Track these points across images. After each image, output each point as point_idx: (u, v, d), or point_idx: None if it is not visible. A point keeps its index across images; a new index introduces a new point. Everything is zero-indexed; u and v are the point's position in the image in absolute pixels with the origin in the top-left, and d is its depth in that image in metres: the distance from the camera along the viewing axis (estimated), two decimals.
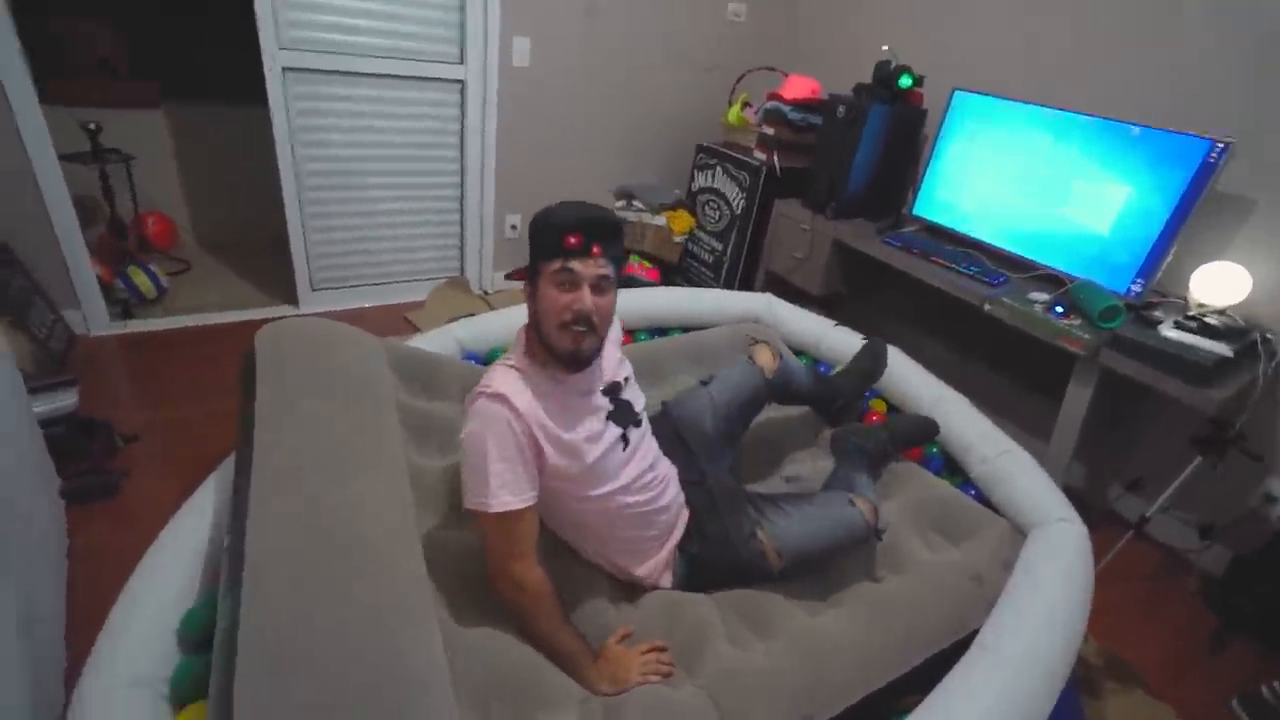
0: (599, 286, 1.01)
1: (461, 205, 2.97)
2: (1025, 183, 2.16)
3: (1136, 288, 1.91)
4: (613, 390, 1.15)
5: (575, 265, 0.99)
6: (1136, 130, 1.87)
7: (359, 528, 0.94)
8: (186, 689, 0.97)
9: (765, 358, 1.47)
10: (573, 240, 0.97)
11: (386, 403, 1.25)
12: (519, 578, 0.99)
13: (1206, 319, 1.75)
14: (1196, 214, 1.78)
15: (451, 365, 1.63)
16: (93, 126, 2.56)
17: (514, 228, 3.08)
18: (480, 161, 2.88)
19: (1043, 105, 2.08)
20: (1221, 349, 1.64)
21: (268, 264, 2.94)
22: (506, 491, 0.97)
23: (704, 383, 1.45)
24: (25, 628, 1.06)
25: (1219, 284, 1.79)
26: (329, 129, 2.56)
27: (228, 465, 1.28)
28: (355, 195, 2.72)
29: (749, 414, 1.45)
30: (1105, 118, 1.94)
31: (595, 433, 1.08)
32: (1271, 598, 1.74)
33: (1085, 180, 2.01)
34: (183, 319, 2.56)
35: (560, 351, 1.02)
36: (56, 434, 1.64)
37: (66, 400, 1.74)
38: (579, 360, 1.04)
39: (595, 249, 0.99)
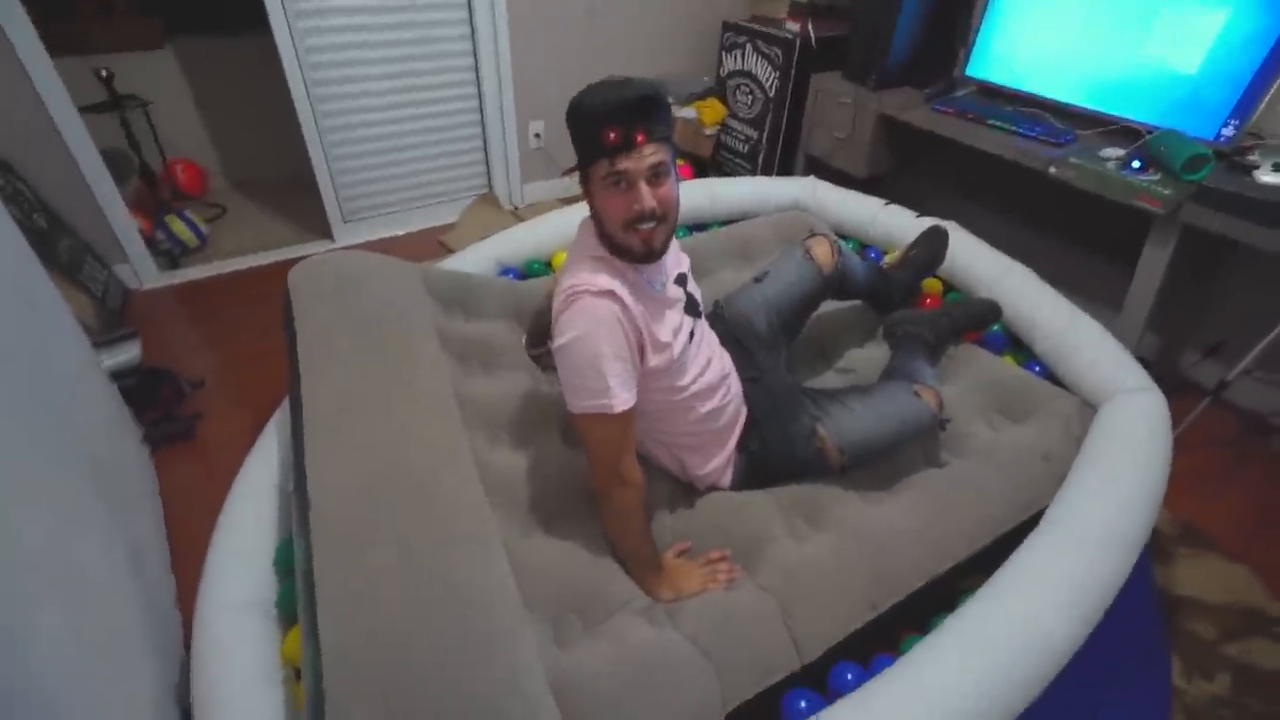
0: (656, 177, 0.92)
1: (482, 118, 2.85)
2: (1097, 23, 1.90)
3: (1229, 131, 1.70)
4: (681, 281, 1.11)
5: (623, 164, 0.90)
6: None
7: (408, 458, 0.96)
8: (291, 611, 1.04)
9: (822, 252, 1.36)
10: (613, 136, 0.88)
11: (425, 330, 1.25)
12: (629, 473, 0.98)
13: None
14: None
15: (488, 283, 1.61)
16: (105, 73, 2.51)
17: (538, 136, 2.95)
18: (496, 69, 2.73)
19: None
20: None
21: (301, 199, 2.92)
22: (625, 389, 0.93)
23: (757, 279, 1.38)
24: (136, 562, 1.16)
25: None
26: (337, 48, 2.44)
27: (285, 408, 1.32)
28: (374, 119, 2.63)
29: (804, 312, 1.38)
30: None
31: (676, 325, 1.05)
32: None
33: (1171, 8, 1.75)
34: (226, 264, 2.61)
35: (632, 250, 0.97)
36: (128, 385, 1.73)
37: (131, 352, 1.82)
38: (653, 254, 0.98)
39: (639, 137, 0.88)
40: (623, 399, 0.93)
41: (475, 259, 1.80)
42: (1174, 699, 1.25)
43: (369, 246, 2.76)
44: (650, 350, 1.00)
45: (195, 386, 1.93)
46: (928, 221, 1.82)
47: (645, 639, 0.94)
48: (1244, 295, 1.92)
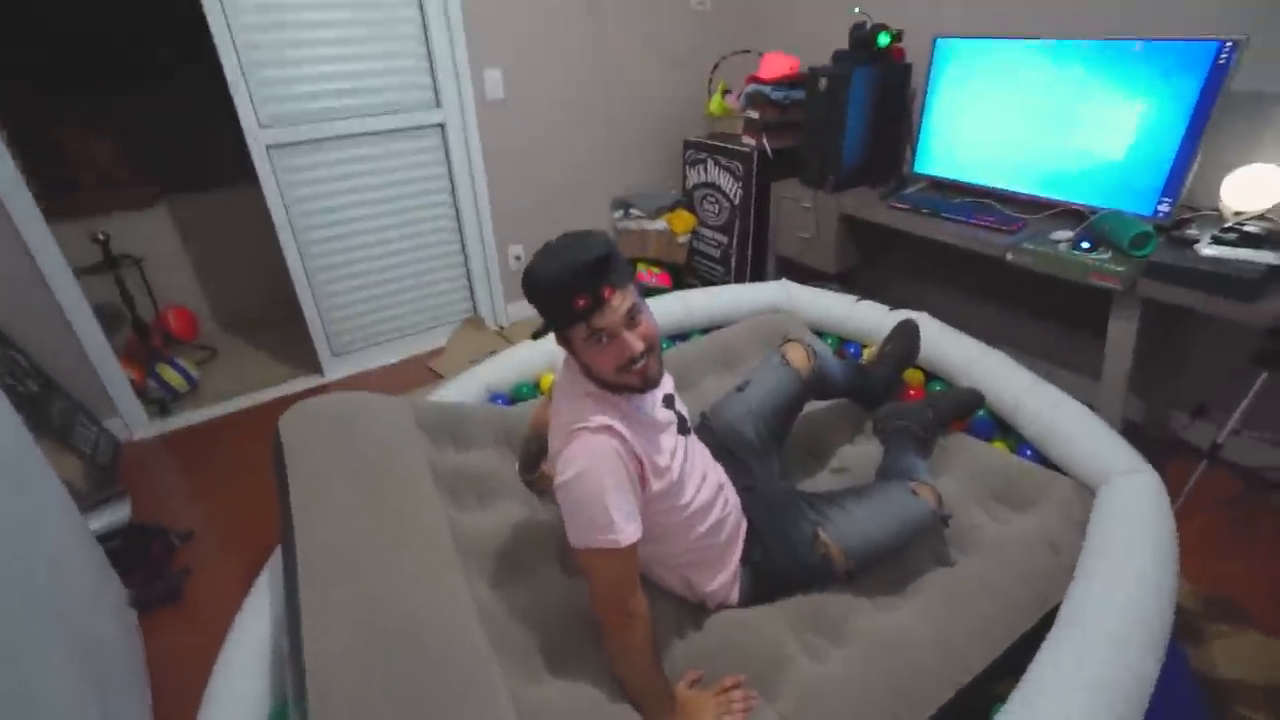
0: (632, 319, 0.95)
1: (463, 245, 2.98)
2: (1027, 120, 2.08)
3: (1164, 208, 1.82)
4: (669, 402, 1.13)
5: (600, 323, 0.92)
6: (1138, 45, 1.78)
7: (410, 614, 0.93)
8: None
9: (798, 356, 1.41)
10: (583, 303, 0.90)
11: (418, 467, 1.25)
12: (634, 607, 0.97)
13: (1246, 227, 1.66)
14: (1215, 120, 1.69)
15: (478, 411, 1.63)
16: (102, 237, 2.63)
17: (518, 258, 3.08)
18: (473, 199, 2.89)
19: (1031, 38, 2.00)
20: (1267, 257, 1.55)
21: (290, 335, 2.98)
22: (629, 522, 0.94)
23: (739, 388, 1.41)
24: None
25: (1252, 188, 1.70)
26: (322, 196, 2.58)
27: (277, 558, 1.29)
28: (359, 255, 2.75)
29: (789, 416, 1.41)
30: (1102, 39, 1.85)
31: (672, 447, 1.06)
32: None
33: (1091, 106, 1.92)
34: (217, 407, 2.62)
35: (632, 387, 0.99)
36: (115, 547, 1.69)
37: (120, 513, 1.79)
38: (650, 384, 1.00)
39: (606, 293, 0.91)
40: (628, 532, 0.93)
41: (463, 387, 1.83)
42: None
43: (359, 377, 2.81)
44: (652, 477, 1.01)
45: (184, 539, 1.88)
46: (901, 314, 1.89)
47: None
48: (1217, 357, 1.98)
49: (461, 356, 2.76)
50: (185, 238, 3.22)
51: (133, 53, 2.91)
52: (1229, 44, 1.62)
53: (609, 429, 0.96)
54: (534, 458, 1.42)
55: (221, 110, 2.31)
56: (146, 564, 1.76)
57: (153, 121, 3.02)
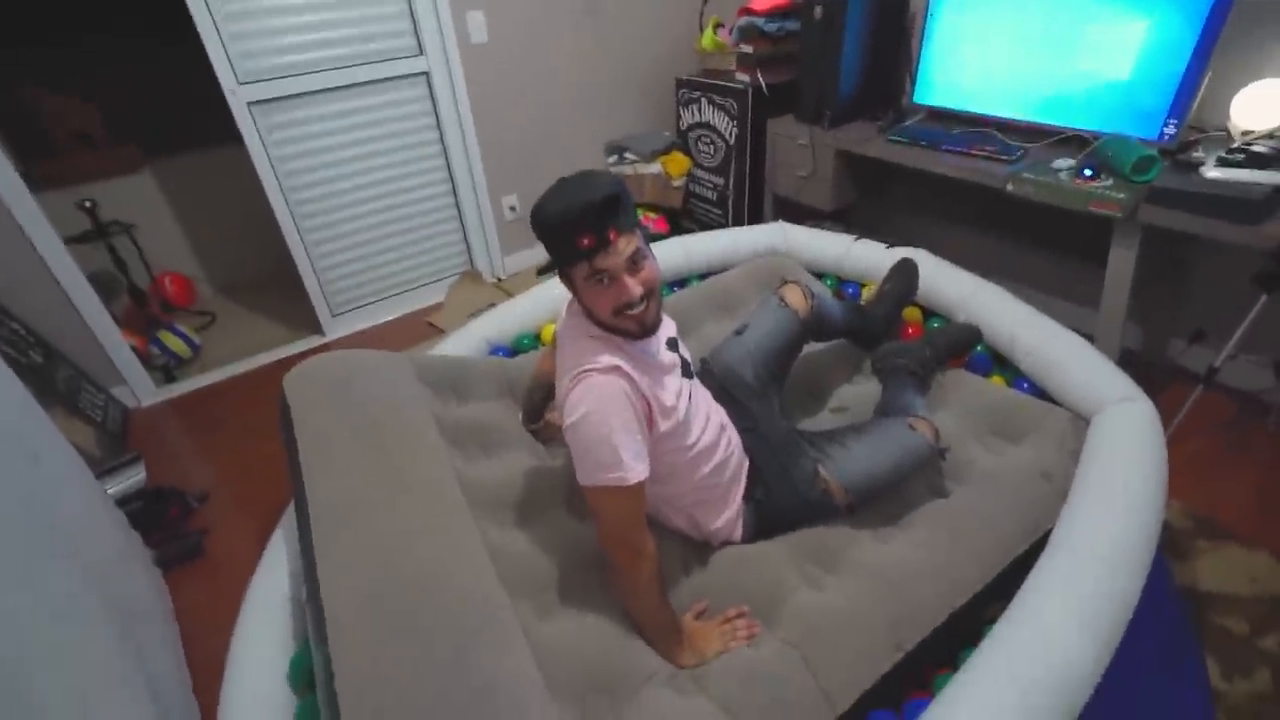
0: (634, 264, 0.96)
1: (456, 198, 2.94)
2: (1030, 43, 2.00)
3: (1170, 130, 1.78)
4: (673, 346, 1.14)
5: (603, 263, 0.93)
6: None
7: (419, 557, 0.96)
8: None
9: (796, 298, 1.42)
10: (587, 241, 0.91)
11: (422, 420, 1.27)
12: (641, 544, 0.99)
13: (1253, 147, 1.62)
14: (1227, 33, 1.62)
15: (478, 364, 1.64)
16: (89, 204, 2.60)
17: (513, 209, 3.03)
18: (464, 149, 2.83)
19: None
20: (1274, 177, 1.52)
21: (288, 296, 2.97)
22: (638, 461, 0.95)
23: (738, 332, 1.42)
24: (156, 697, 1.15)
25: (1263, 104, 1.65)
26: (308, 153, 2.53)
27: (290, 514, 1.33)
28: (352, 213, 2.71)
29: (788, 358, 1.42)
30: None
31: (677, 389, 1.08)
32: None
33: (1095, 23, 1.85)
34: (221, 371, 2.64)
35: (629, 332, 1.01)
36: (135, 509, 1.73)
37: (136, 476, 1.83)
38: (647, 330, 1.02)
39: (611, 235, 0.91)
40: (636, 470, 0.95)
41: (464, 341, 1.83)
42: (1216, 702, 1.23)
43: (359, 336, 2.81)
44: (659, 417, 1.03)
45: (201, 501, 1.93)
46: (899, 252, 1.88)
47: (675, 710, 0.93)
48: (1216, 280, 1.97)
49: (460, 310, 2.76)
50: (174, 202, 3.18)
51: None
52: None
53: (617, 369, 0.97)
54: (538, 407, 1.44)
55: (199, 66, 2.24)
56: (165, 525, 1.82)
57: (125, 79, 2.93)
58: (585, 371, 0.97)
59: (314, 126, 2.50)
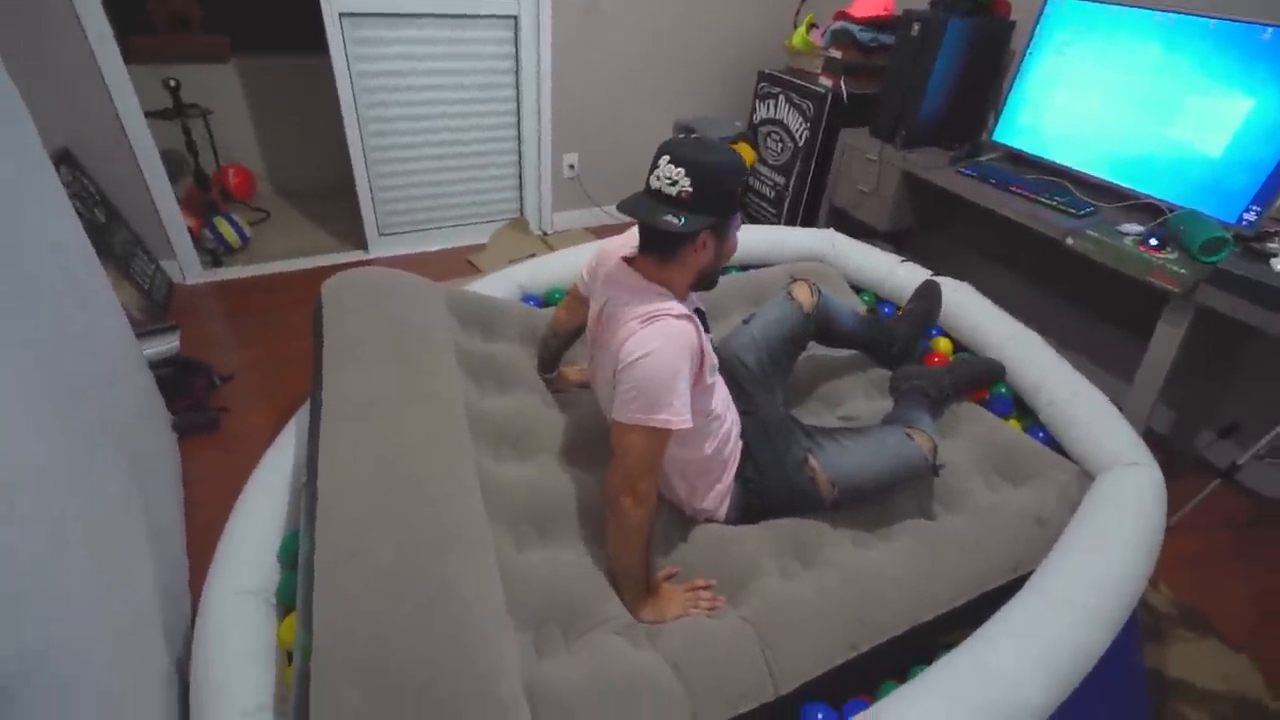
0: None
1: (519, 146, 2.97)
2: (1127, 101, 1.95)
3: (1250, 216, 1.73)
4: (702, 318, 1.18)
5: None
6: (1268, 33, 1.64)
7: (415, 463, 1.01)
8: (289, 600, 1.10)
9: (803, 293, 1.46)
10: (743, 191, 1.07)
11: (443, 345, 1.31)
12: (648, 492, 1.01)
13: None
14: None
15: (509, 308, 1.68)
16: (173, 84, 2.69)
17: (572, 167, 3.06)
18: (536, 100, 2.85)
19: (1154, 8, 1.85)
20: None
21: (340, 209, 3.06)
22: (687, 410, 0.99)
23: (745, 321, 1.47)
24: (156, 543, 1.22)
25: None
26: (387, 73, 2.58)
27: (307, 405, 1.38)
28: (416, 140, 2.76)
29: (791, 349, 1.45)
30: (1228, 18, 1.71)
31: (711, 355, 1.13)
32: None
33: (1199, 93, 1.79)
34: (266, 265, 2.73)
35: (712, 284, 1.13)
36: (164, 374, 1.82)
37: (170, 344, 1.91)
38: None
39: None
40: (684, 417, 0.99)
41: (499, 283, 1.87)
42: None
43: (401, 260, 2.88)
44: (706, 371, 1.08)
45: (225, 380, 2.02)
46: (944, 281, 1.86)
47: (623, 655, 0.97)
48: (1260, 378, 1.92)
49: (502, 255, 2.80)
50: (253, 99, 3.27)
51: None
52: None
53: (689, 318, 1.03)
54: (553, 355, 1.48)
55: None
56: (189, 395, 1.90)
57: None
58: (659, 314, 1.01)
59: (397, 48, 2.55)
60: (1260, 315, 1.51)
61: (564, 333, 1.43)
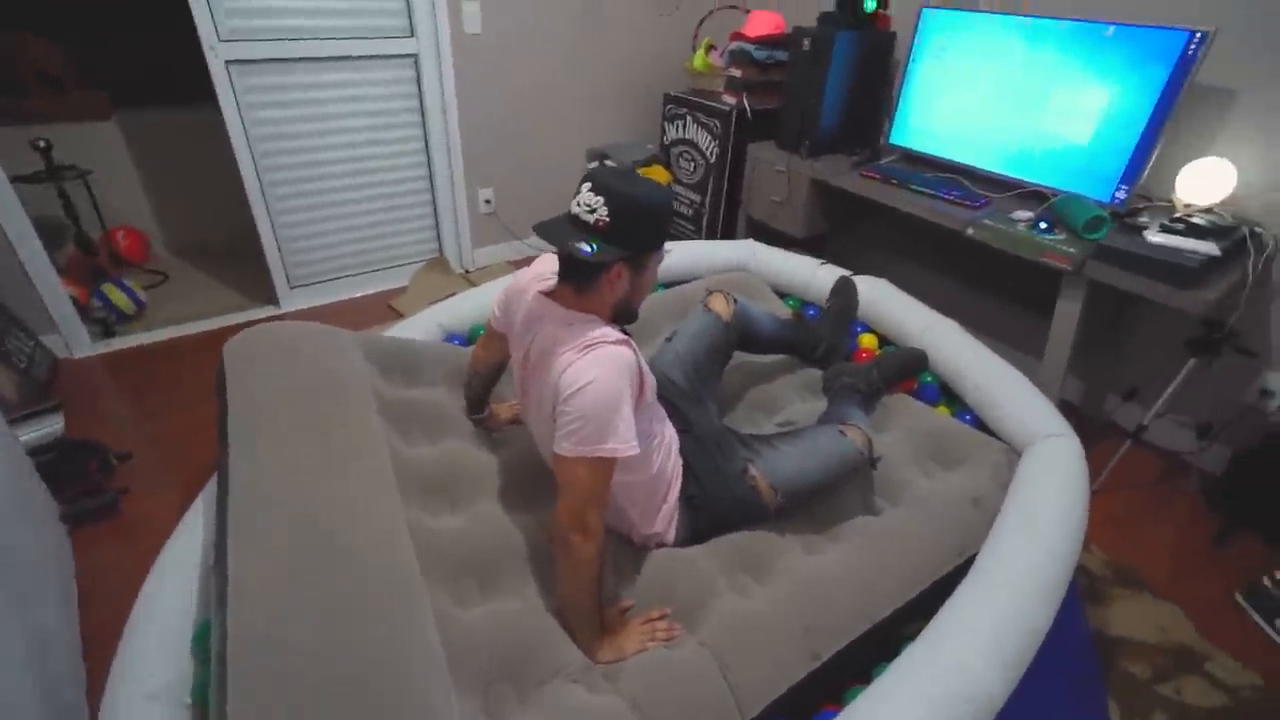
0: None
1: (432, 184, 2.91)
2: (1002, 99, 2.09)
3: (1121, 195, 1.87)
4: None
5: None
6: (1110, 30, 1.80)
7: (334, 530, 0.94)
8: (205, 700, 0.98)
9: (719, 304, 1.48)
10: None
11: (360, 398, 1.24)
12: (597, 526, 0.98)
13: (1193, 219, 1.71)
14: (1178, 111, 1.72)
15: (431, 349, 1.62)
16: (43, 144, 2.49)
17: (488, 202, 3.01)
18: (445, 137, 2.81)
19: (1013, 14, 2.01)
20: (1209, 248, 1.61)
21: (245, 265, 2.89)
22: (631, 437, 0.97)
23: (668, 339, 1.47)
24: (36, 654, 1.08)
25: (1204, 181, 1.75)
26: (284, 120, 2.48)
27: (214, 481, 1.28)
28: (322, 186, 2.66)
29: (717, 360, 1.46)
30: (1077, 19, 1.86)
31: (649, 377, 1.11)
32: (1272, 492, 1.75)
33: (1062, 88, 1.94)
34: (165, 331, 2.54)
35: (633, 317, 1.10)
36: (48, 460, 1.64)
37: (52, 426, 1.74)
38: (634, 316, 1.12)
39: None
40: (630, 444, 0.97)
41: (420, 326, 1.80)
42: None
43: (317, 312, 2.74)
44: (647, 392, 1.07)
45: (122, 459, 1.84)
46: (833, 269, 1.94)
47: (581, 705, 0.92)
48: (1153, 342, 2.07)
49: (424, 297, 2.72)
50: (138, 156, 3.07)
51: None
52: (1199, 35, 1.64)
53: (628, 343, 1.02)
54: (479, 396, 1.43)
55: (180, 19, 2.18)
56: (82, 481, 1.73)
57: (99, 27, 2.84)
58: (596, 343, 0.99)
59: (293, 94, 2.46)
60: (1141, 283, 1.63)
61: (485, 371, 1.38)
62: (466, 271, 3.06)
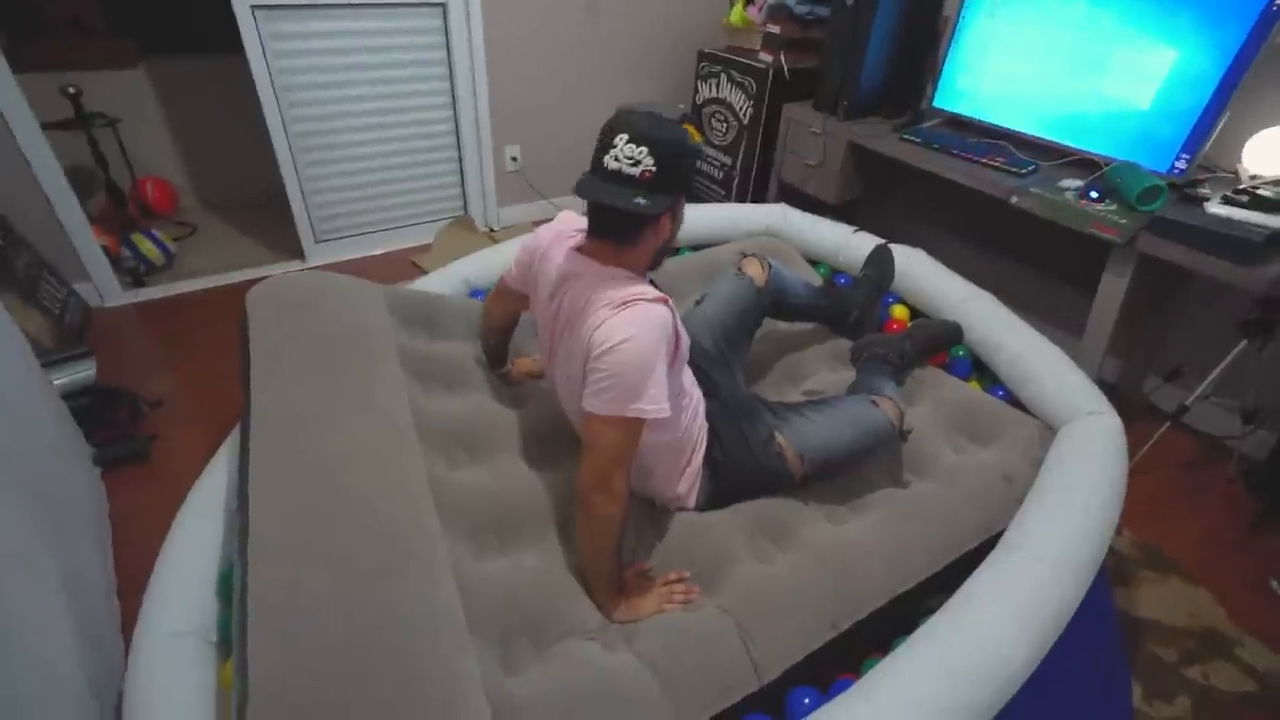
0: None
1: (458, 141, 2.86)
2: (1057, 60, 1.97)
3: (1181, 164, 1.76)
4: None
5: None
6: None
7: (354, 480, 0.94)
8: (229, 639, 1.00)
9: (754, 268, 1.44)
10: None
11: (382, 348, 1.23)
12: (621, 485, 0.97)
13: (1259, 191, 1.61)
14: (1252, 75, 1.61)
15: (455, 304, 1.60)
16: (72, 90, 2.49)
17: (514, 159, 2.96)
18: (472, 91, 2.75)
19: None
20: (1275, 221, 1.51)
21: (272, 218, 2.90)
22: (665, 397, 0.95)
23: (698, 302, 1.43)
24: (74, 589, 1.11)
25: (1274, 150, 1.64)
26: (311, 69, 2.45)
27: (239, 428, 1.29)
28: (348, 139, 2.63)
29: (747, 326, 1.42)
30: None
31: (684, 338, 1.09)
32: None
33: (1125, 48, 1.82)
34: (194, 282, 2.57)
35: (660, 263, 1.09)
36: (81, 405, 1.68)
37: (85, 371, 1.76)
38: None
39: None
40: (661, 405, 0.95)
41: (445, 280, 1.79)
42: None
43: (341, 266, 2.75)
44: (680, 353, 1.04)
45: (153, 406, 1.88)
46: (868, 236, 1.87)
47: (597, 662, 0.92)
48: (1200, 322, 1.98)
49: (448, 255, 2.68)
50: (167, 105, 3.06)
51: None
52: None
53: (664, 300, 0.98)
54: (496, 352, 1.42)
55: None
56: (113, 425, 1.76)
57: None
58: (633, 299, 0.95)
59: (319, 42, 2.41)
60: (1197, 258, 1.55)
61: (499, 327, 1.37)
62: (491, 230, 3.03)
